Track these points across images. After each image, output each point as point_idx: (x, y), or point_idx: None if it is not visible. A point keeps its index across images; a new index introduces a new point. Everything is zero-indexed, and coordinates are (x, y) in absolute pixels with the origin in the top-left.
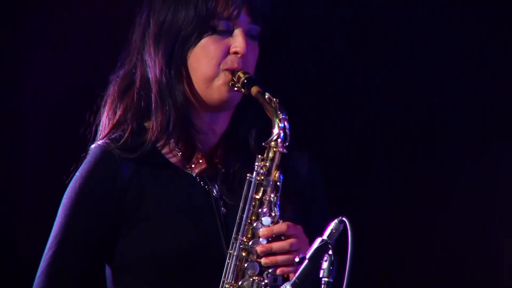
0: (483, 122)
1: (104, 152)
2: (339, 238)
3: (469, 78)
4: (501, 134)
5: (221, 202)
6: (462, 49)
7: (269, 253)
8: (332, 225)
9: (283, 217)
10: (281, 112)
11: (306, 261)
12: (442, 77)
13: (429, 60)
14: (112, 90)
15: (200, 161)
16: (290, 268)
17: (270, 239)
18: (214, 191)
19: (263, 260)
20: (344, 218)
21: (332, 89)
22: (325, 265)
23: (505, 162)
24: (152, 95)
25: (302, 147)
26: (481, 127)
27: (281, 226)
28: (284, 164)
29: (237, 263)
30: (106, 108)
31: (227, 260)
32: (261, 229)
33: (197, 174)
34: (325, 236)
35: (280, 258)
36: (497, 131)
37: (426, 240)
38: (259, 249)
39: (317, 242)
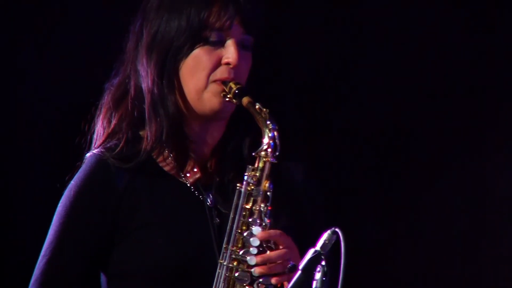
0: (472, 124)
1: (99, 161)
2: (332, 248)
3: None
4: (487, 137)
5: (215, 212)
6: (446, 51)
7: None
8: (325, 236)
9: (277, 226)
10: (270, 122)
11: (299, 272)
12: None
13: (412, 63)
14: (106, 99)
15: (195, 170)
16: (284, 277)
17: (261, 249)
18: (208, 201)
19: (257, 269)
20: (337, 229)
21: (323, 99)
22: (318, 276)
23: (493, 165)
24: (145, 105)
25: (297, 157)
26: (471, 130)
27: (276, 232)
28: (279, 174)
29: (228, 273)
30: (101, 117)
31: (217, 270)
32: (258, 232)
33: (192, 183)
34: (318, 247)
35: (273, 266)
36: (485, 133)
37: (419, 250)
38: (257, 259)
39: (310, 253)
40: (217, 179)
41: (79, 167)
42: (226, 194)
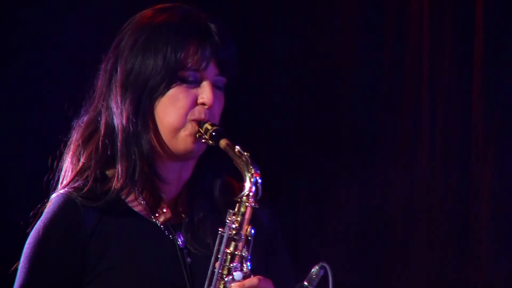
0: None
1: (67, 200)
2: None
3: None
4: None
5: (186, 252)
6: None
7: None
8: (313, 270)
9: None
10: (253, 167)
11: None
12: None
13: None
14: (75, 137)
15: (164, 210)
16: None
17: None
18: (179, 241)
19: None
20: (324, 264)
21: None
22: None
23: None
24: (118, 143)
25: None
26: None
27: (252, 280)
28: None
29: None
30: (70, 154)
31: None
32: (232, 284)
33: (162, 223)
34: (305, 282)
35: None
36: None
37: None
38: None
39: None
40: (186, 219)
41: (45, 207)
42: (196, 233)
